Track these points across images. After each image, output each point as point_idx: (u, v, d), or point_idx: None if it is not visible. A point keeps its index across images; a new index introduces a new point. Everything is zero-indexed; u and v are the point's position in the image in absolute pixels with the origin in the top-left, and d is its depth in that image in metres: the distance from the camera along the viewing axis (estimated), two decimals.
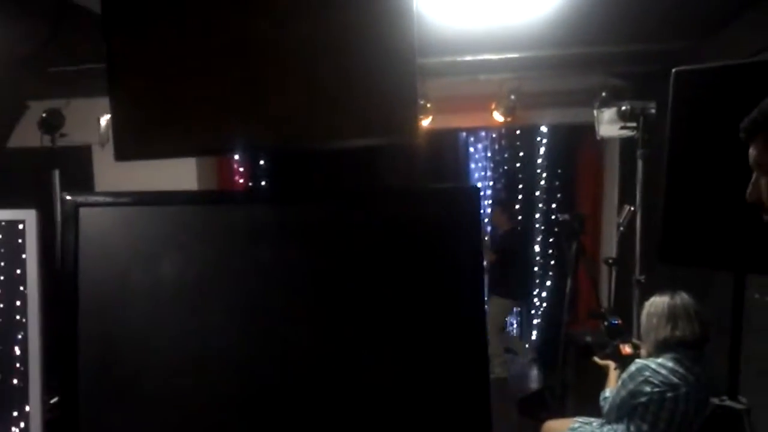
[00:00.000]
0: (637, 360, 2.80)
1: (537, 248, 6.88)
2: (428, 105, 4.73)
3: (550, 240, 6.69)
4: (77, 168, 4.54)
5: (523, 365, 6.62)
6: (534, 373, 5.97)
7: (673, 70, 2.10)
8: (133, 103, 2.42)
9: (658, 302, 2.78)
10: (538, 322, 6.76)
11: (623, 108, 3.17)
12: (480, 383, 0.78)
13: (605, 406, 2.86)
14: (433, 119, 5.01)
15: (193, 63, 2.36)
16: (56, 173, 3.08)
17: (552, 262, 6.62)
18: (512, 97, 4.60)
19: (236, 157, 6.04)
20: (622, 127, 3.24)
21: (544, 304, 6.72)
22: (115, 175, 3.63)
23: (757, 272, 2.06)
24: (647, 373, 2.66)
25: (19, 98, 4.31)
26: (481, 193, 7.43)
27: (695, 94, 2.04)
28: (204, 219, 0.95)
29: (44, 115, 3.13)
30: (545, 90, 4.84)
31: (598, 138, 3.59)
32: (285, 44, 2.46)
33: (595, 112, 3.57)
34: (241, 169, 6.26)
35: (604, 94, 4.19)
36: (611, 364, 3.18)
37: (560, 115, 5.16)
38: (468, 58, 4.21)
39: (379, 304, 0.80)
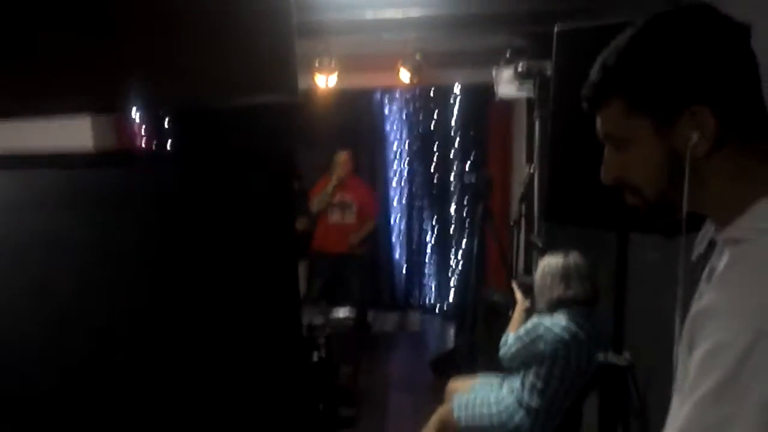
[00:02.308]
0: (533, 317, 2.87)
1: (452, 211, 6.97)
2: (332, 63, 4.64)
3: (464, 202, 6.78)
4: None
5: (440, 324, 6.78)
6: (450, 332, 6.09)
7: (555, 29, 2.09)
8: None
9: (552, 262, 2.84)
10: (454, 283, 6.88)
11: (519, 68, 3.17)
12: (294, 342, 0.75)
13: (503, 350, 2.90)
14: (340, 78, 4.93)
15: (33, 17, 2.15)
16: None
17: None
18: (418, 56, 4.56)
19: (136, 117, 5.76)
20: (519, 88, 3.24)
21: (459, 266, 6.84)
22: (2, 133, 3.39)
23: (639, 231, 2.10)
24: (541, 330, 2.73)
25: None
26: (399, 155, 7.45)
27: (577, 53, 2.03)
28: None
29: None
30: (452, 50, 4.82)
31: (496, 99, 3.59)
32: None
33: (493, 71, 3.56)
34: (143, 130, 5.98)
35: (507, 54, 4.20)
36: (521, 300, 3.18)
37: (469, 75, 5.16)
38: (370, 15, 4.12)
39: (194, 271, 0.75)
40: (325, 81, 4.80)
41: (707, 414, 0.80)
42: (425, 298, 7.33)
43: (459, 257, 6.86)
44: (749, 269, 0.84)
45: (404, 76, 4.78)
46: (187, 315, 0.75)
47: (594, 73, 0.98)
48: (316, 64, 4.67)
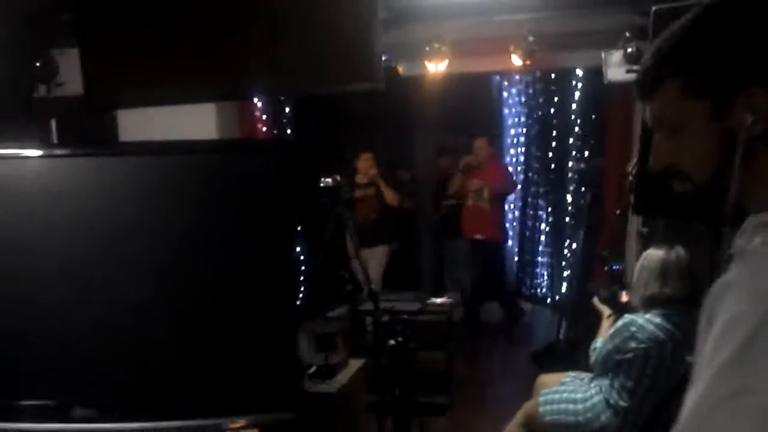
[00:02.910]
0: (626, 315, 2.75)
1: (568, 199, 6.75)
2: (443, 48, 4.62)
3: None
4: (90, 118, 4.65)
5: (549, 316, 6.62)
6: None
7: (653, 9, 1.99)
8: (105, 53, 2.45)
9: (652, 256, 2.71)
10: (567, 274, 6.68)
11: (629, 50, 2.99)
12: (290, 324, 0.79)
13: (593, 356, 2.84)
14: (452, 63, 4.90)
15: (167, 15, 2.36)
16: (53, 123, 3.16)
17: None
18: (530, 38, 4.43)
19: (258, 103, 6.06)
20: (629, 71, 3.06)
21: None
22: (136, 123, 3.71)
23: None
24: (633, 329, 2.61)
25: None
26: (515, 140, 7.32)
27: None
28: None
29: (38, 64, 3.19)
30: (566, 31, 4.63)
31: (605, 83, 3.42)
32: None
33: (603, 54, 3.38)
34: (264, 117, 6.28)
35: (627, 34, 3.99)
36: (606, 311, 3.13)
37: (585, 58, 4.94)
38: None
39: (198, 250, 0.81)
40: (436, 66, 4.79)
41: (723, 384, 0.79)
42: (537, 288, 7.19)
43: (573, 247, 6.64)
44: None
45: (516, 59, 4.67)
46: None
47: (649, 56, 0.98)
48: (427, 50, 4.67)
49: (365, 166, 5.83)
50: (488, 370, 5.21)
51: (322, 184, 3.50)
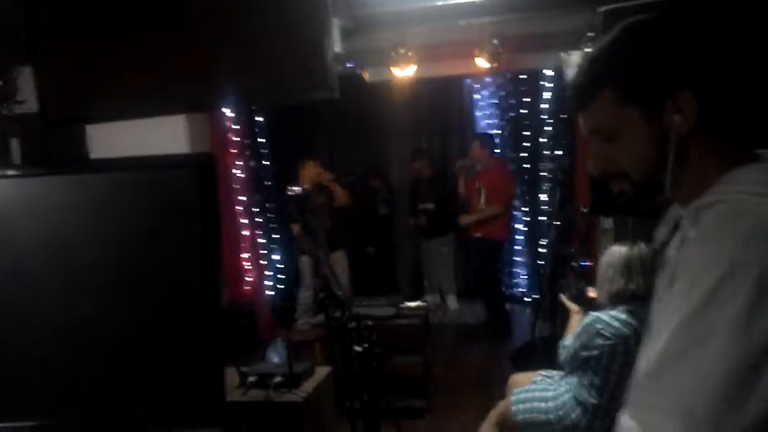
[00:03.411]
0: (591, 312, 2.79)
1: (543, 197, 6.82)
2: (408, 53, 4.66)
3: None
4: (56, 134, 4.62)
5: (528, 315, 6.68)
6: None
7: (600, 10, 2.03)
8: (60, 68, 2.44)
9: (615, 252, 2.75)
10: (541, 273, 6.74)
11: (587, 50, 3.02)
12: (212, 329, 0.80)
13: (562, 354, 2.87)
14: (420, 68, 4.95)
15: (123, 29, 2.37)
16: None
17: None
18: (494, 41, 4.48)
19: (230, 115, 6.06)
20: None
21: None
22: (107, 138, 3.69)
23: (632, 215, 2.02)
24: (599, 326, 2.64)
25: None
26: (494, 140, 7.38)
27: None
28: None
29: None
30: (531, 33, 4.69)
31: (566, 83, 3.46)
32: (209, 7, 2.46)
33: (562, 55, 3.43)
34: (236, 128, 6.27)
35: (588, 34, 4.05)
36: (574, 308, 3.16)
37: (550, 60, 5.01)
38: (443, 1, 4.11)
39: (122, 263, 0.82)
40: (403, 72, 4.83)
41: (686, 332, 0.88)
42: (515, 288, 7.24)
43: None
44: (724, 218, 0.92)
45: (482, 62, 4.72)
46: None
47: (582, 70, 1.07)
48: (392, 56, 4.71)
49: (310, 173, 5.80)
50: (467, 372, 5.23)
51: (289, 193, 3.52)
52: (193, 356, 0.79)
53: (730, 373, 0.84)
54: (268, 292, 6.05)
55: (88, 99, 2.40)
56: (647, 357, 0.95)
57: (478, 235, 6.13)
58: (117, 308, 0.80)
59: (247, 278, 5.96)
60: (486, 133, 6.77)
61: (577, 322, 3.03)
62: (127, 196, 0.80)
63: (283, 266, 6.04)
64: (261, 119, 6.80)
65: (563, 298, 3.28)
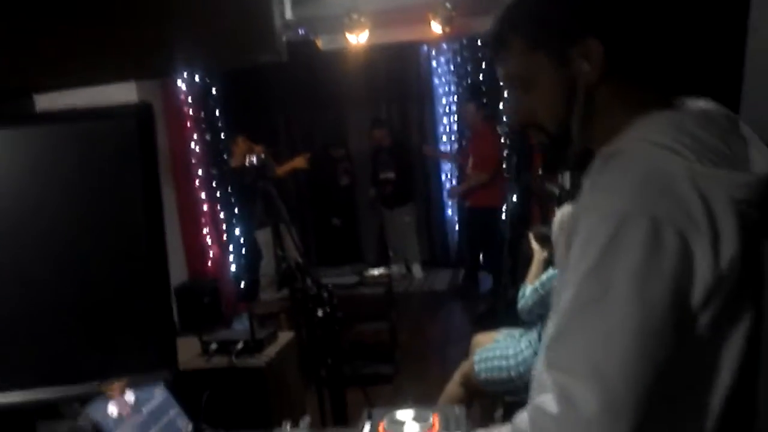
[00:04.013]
0: (550, 269, 2.86)
1: (504, 164, 6.90)
2: (361, 19, 4.64)
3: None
4: None
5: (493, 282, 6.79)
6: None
7: None
8: (3, 37, 2.40)
9: (567, 212, 2.81)
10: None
11: None
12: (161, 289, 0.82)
13: (520, 302, 2.90)
14: (373, 35, 4.93)
15: None
16: None
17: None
18: (447, 5, 4.49)
19: (182, 85, 5.95)
20: None
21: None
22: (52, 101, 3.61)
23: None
24: (556, 283, 2.71)
25: None
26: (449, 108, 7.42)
27: None
28: None
29: None
30: None
31: None
32: None
33: None
34: (189, 98, 6.16)
35: None
36: (537, 250, 3.14)
37: None
38: None
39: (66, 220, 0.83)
40: (357, 38, 4.81)
41: (586, 290, 0.90)
42: (479, 256, 7.34)
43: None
44: (619, 168, 0.94)
45: (436, 27, 4.73)
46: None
47: (496, 19, 1.08)
48: (345, 21, 4.68)
49: (242, 149, 5.72)
50: (432, 338, 5.33)
51: (246, 163, 3.51)
52: (142, 304, 0.81)
53: (634, 328, 0.86)
54: (231, 268, 6.03)
55: (32, 68, 2.36)
56: (555, 317, 0.98)
57: (469, 204, 6.16)
58: (62, 262, 0.82)
59: (209, 254, 5.93)
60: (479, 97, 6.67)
61: (538, 264, 3.07)
62: (65, 149, 0.81)
63: (243, 240, 6.01)
64: (215, 92, 6.70)
65: (531, 238, 3.29)
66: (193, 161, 5.80)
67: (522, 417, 0.99)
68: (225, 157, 5.88)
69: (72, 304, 0.79)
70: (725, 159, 0.94)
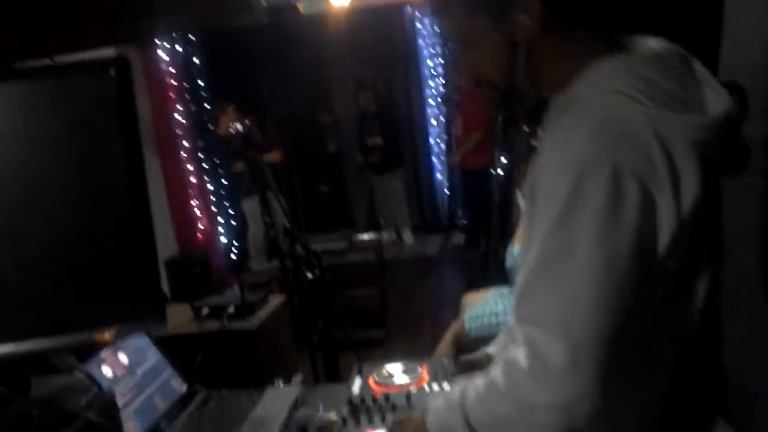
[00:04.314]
0: None
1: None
2: None
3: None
4: None
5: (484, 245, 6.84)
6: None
7: None
8: None
9: None
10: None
11: None
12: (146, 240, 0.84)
13: (509, 261, 2.94)
14: None
15: None
16: None
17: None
18: None
19: (164, 56, 5.90)
20: None
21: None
22: None
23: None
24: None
25: None
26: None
27: None
28: None
29: None
30: None
31: None
32: None
33: None
34: (172, 69, 6.11)
35: None
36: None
37: None
38: None
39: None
40: (338, 1, 4.77)
41: (551, 241, 0.91)
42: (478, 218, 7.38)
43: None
44: (576, 118, 0.94)
45: None
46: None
47: None
48: None
49: (230, 118, 5.69)
50: (424, 302, 5.38)
51: (232, 131, 3.51)
52: (128, 254, 0.84)
53: (599, 278, 0.88)
54: (221, 238, 6.05)
55: (14, 37, 2.35)
56: (523, 271, 0.99)
57: (464, 167, 6.18)
58: (48, 215, 0.84)
59: (198, 226, 5.94)
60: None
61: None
62: (45, 105, 0.82)
63: (232, 210, 6.03)
64: (198, 62, 6.65)
65: (518, 196, 3.32)
66: (179, 132, 5.78)
67: (496, 370, 1.01)
68: (210, 126, 5.85)
69: (60, 256, 0.81)
70: (681, 102, 0.94)
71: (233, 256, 5.79)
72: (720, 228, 1.03)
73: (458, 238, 7.06)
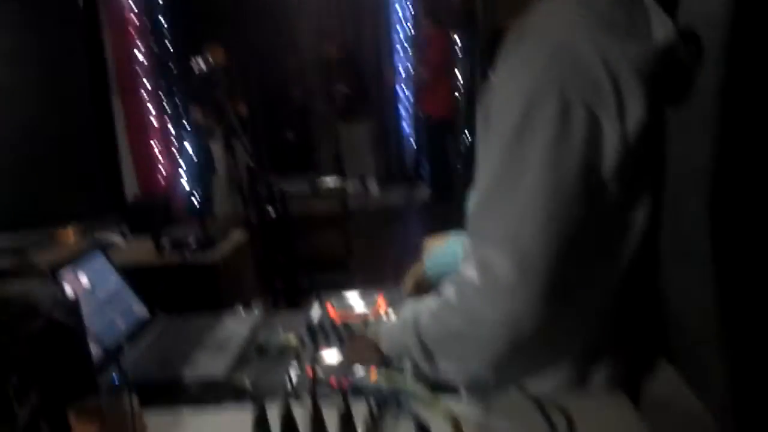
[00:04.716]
0: None
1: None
2: None
3: None
4: None
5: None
6: None
7: None
8: None
9: None
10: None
11: None
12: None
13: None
14: None
15: None
16: None
17: None
18: None
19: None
20: None
21: None
22: None
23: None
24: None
25: None
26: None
27: None
28: None
29: None
30: None
31: None
32: None
33: None
34: (134, 6, 5.96)
35: None
36: None
37: None
38: None
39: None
40: None
41: (500, 166, 0.97)
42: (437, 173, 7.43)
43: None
44: (528, 45, 0.99)
45: None
46: None
47: None
48: None
49: (217, 57, 5.61)
50: (388, 251, 5.47)
51: (195, 70, 3.48)
52: (89, 152, 0.87)
53: (547, 200, 0.93)
54: (183, 182, 6.01)
55: None
56: (475, 192, 1.05)
57: (427, 117, 6.24)
58: (11, 114, 0.87)
59: (160, 170, 5.89)
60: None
61: None
62: (15, 22, 0.85)
63: (195, 153, 5.98)
64: (161, 2, 6.49)
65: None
66: (140, 72, 5.68)
67: (449, 289, 1.07)
68: (171, 66, 5.75)
69: (23, 154, 0.84)
70: (628, 30, 1.00)
71: (195, 201, 5.77)
72: (663, 158, 1.09)
73: (424, 190, 7.12)
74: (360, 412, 0.96)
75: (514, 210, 0.96)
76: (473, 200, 1.07)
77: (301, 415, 0.88)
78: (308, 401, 0.87)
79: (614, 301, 1.08)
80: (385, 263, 5.10)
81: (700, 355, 1.11)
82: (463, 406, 1.04)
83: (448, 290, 1.07)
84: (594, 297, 1.07)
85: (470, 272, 1.01)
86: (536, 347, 1.00)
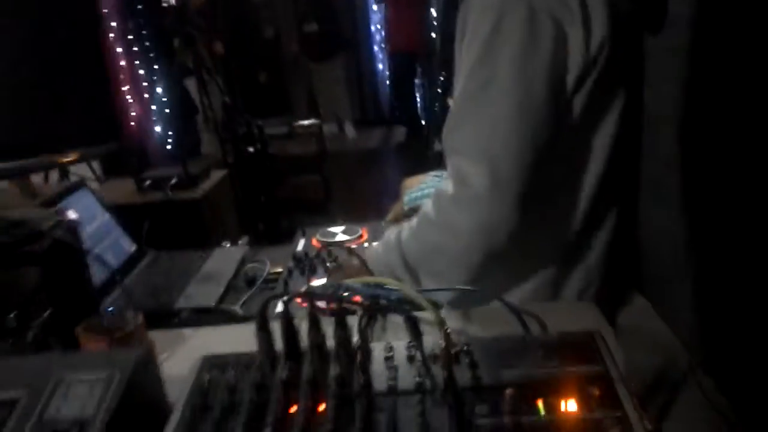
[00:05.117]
0: None
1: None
2: None
3: None
4: None
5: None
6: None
7: None
8: None
9: None
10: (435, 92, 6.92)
11: None
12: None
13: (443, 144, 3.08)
14: None
15: None
16: None
17: None
18: None
19: None
20: None
21: None
22: None
23: None
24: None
25: None
26: None
27: None
28: None
29: None
30: None
31: None
32: None
33: None
34: None
35: None
36: None
37: None
38: None
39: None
40: None
41: (473, 79, 1.02)
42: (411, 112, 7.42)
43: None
44: None
45: None
46: None
47: None
48: None
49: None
50: (366, 192, 5.51)
51: (164, 4, 3.42)
52: (83, 81, 0.90)
53: (516, 109, 0.99)
54: (156, 127, 5.93)
55: None
56: (452, 104, 1.11)
57: (392, 50, 6.20)
58: (6, 44, 0.89)
59: (131, 114, 5.79)
60: None
61: None
62: None
63: (170, 95, 5.86)
64: None
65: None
66: (105, 11, 5.53)
67: (427, 203, 1.13)
68: (140, 7, 5.59)
69: (19, 81, 0.86)
70: None
71: (171, 143, 5.70)
72: (636, 77, 1.14)
73: (400, 132, 7.12)
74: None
75: (486, 119, 1.01)
76: (449, 112, 1.12)
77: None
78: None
79: (583, 222, 1.14)
80: (363, 205, 5.16)
81: (672, 288, 1.17)
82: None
83: (427, 205, 1.13)
84: (562, 216, 1.13)
85: (447, 185, 1.06)
86: (510, 260, 1.07)
